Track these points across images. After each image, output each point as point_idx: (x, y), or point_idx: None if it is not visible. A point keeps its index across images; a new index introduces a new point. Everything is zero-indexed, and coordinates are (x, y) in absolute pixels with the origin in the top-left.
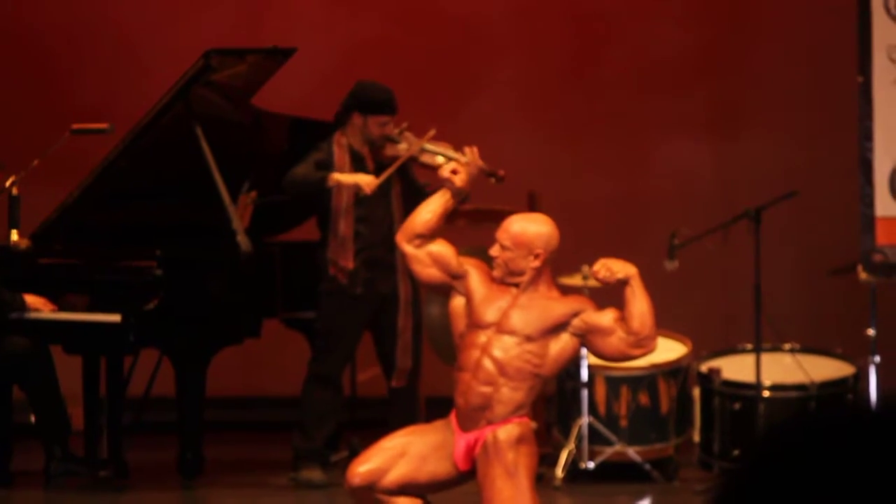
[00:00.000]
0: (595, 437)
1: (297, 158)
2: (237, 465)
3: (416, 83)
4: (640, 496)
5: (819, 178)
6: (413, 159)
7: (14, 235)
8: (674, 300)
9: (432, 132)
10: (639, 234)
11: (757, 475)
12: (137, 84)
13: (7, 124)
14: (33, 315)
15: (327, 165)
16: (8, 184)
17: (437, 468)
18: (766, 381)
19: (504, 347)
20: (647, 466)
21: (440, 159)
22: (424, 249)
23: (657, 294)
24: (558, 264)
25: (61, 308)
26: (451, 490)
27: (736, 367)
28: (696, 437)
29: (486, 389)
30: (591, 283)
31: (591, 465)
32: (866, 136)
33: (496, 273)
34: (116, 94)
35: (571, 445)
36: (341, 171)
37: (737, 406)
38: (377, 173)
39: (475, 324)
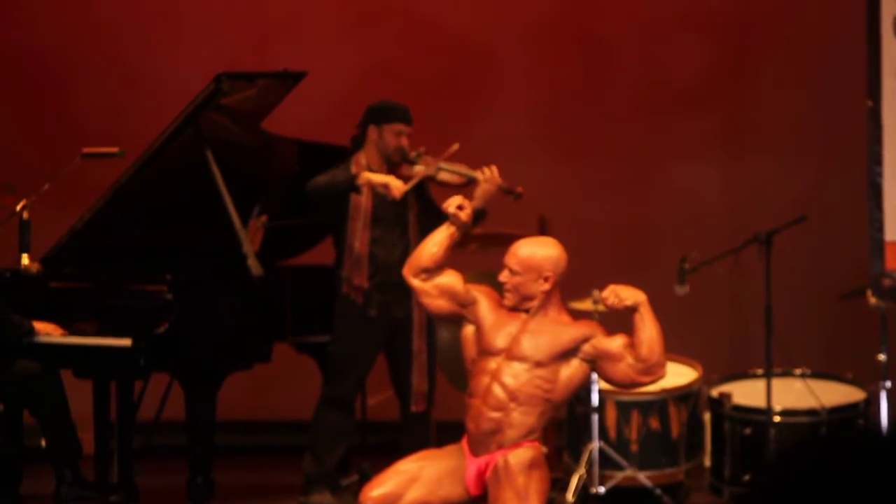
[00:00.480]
0: (606, 461)
1: (307, 182)
2: (247, 489)
3: (427, 106)
4: None
5: (830, 201)
6: (431, 178)
7: (25, 259)
8: (684, 325)
9: (455, 147)
10: (649, 257)
11: (768, 500)
12: (148, 108)
13: (18, 148)
14: (43, 339)
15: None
16: (19, 208)
17: (449, 492)
18: (777, 407)
19: (514, 373)
20: (658, 491)
21: (456, 178)
22: (432, 282)
23: (667, 318)
24: (568, 288)
25: (72, 333)
26: None
27: (746, 392)
28: (707, 462)
29: (497, 415)
30: (601, 307)
31: (602, 489)
32: (875, 160)
33: (507, 301)
34: (127, 118)
35: (582, 470)
36: (358, 195)
37: (747, 431)
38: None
39: (485, 350)
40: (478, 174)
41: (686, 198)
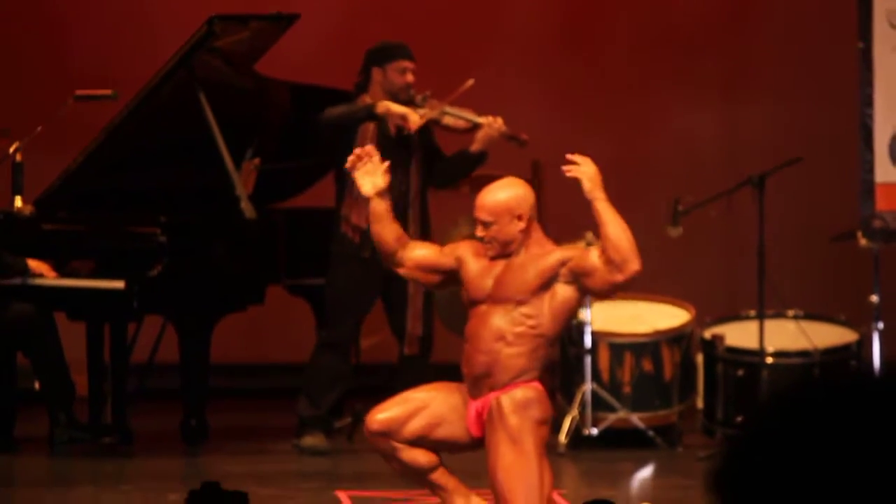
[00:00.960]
0: (598, 403)
1: (301, 125)
2: (241, 431)
3: (418, 48)
4: (644, 462)
5: (823, 144)
6: (434, 122)
7: (18, 202)
8: (677, 267)
9: (469, 83)
10: (643, 200)
11: (760, 442)
12: (141, 50)
13: (11, 90)
14: (37, 282)
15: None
16: (11, 150)
17: (453, 430)
18: (770, 348)
19: (500, 314)
20: (651, 433)
21: (460, 123)
22: (412, 265)
23: (660, 260)
24: (562, 231)
25: (65, 275)
26: (466, 454)
27: (739, 334)
28: (700, 404)
29: (486, 358)
30: (595, 247)
31: (595, 431)
32: (866, 102)
33: (491, 252)
34: (120, 61)
35: (575, 412)
36: (364, 136)
37: (740, 373)
38: (399, 136)
39: (474, 299)
40: (482, 120)
41: (680, 141)
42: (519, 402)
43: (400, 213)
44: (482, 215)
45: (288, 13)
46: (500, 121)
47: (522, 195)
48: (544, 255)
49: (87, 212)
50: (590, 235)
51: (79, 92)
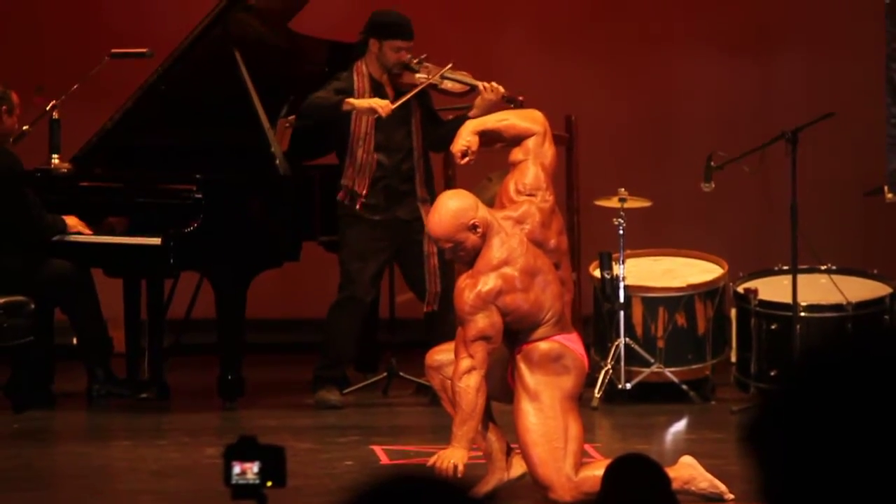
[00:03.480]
0: (632, 358)
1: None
2: (276, 386)
3: (452, 8)
4: (677, 416)
5: (856, 98)
6: (432, 87)
7: (55, 159)
8: (710, 222)
9: (450, 65)
10: (675, 156)
11: (794, 395)
12: (176, 8)
13: (47, 49)
14: (74, 238)
15: (346, 93)
16: (48, 108)
17: (493, 383)
18: (803, 302)
19: None
20: (684, 387)
21: (458, 86)
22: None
23: (693, 215)
24: (595, 187)
25: (101, 232)
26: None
27: (772, 288)
28: (733, 358)
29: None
30: (628, 204)
31: (629, 385)
32: (893, 56)
33: (468, 266)
34: (155, 18)
35: (608, 367)
36: (360, 97)
37: (773, 326)
38: (396, 100)
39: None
40: (479, 84)
41: (713, 97)
42: (534, 360)
43: (405, 175)
44: (439, 242)
45: None
46: (495, 84)
47: (465, 207)
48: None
49: (123, 169)
50: (622, 191)
51: (115, 50)
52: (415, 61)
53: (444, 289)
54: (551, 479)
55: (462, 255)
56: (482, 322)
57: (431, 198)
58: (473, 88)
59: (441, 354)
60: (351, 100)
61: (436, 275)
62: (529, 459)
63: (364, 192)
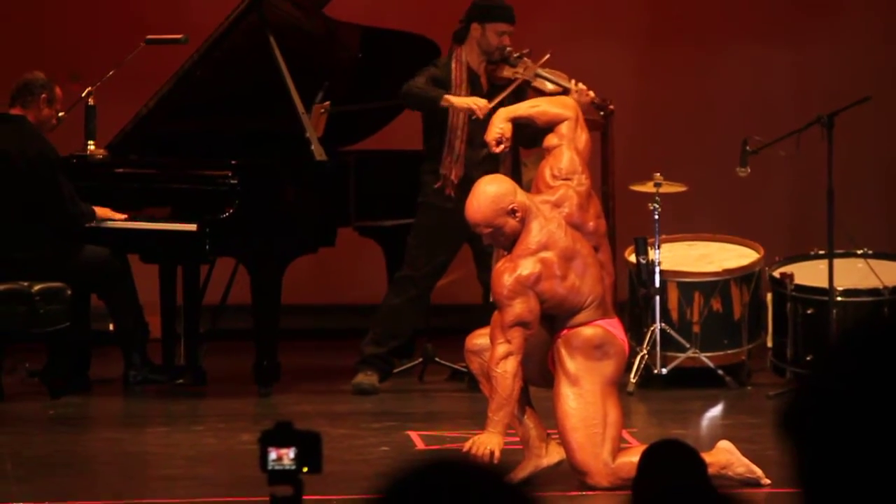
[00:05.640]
0: (668, 343)
1: (370, 68)
2: (312, 371)
3: None
4: (713, 402)
5: (893, 82)
6: (527, 84)
7: (90, 146)
8: (746, 206)
9: (547, 56)
10: (711, 140)
11: (830, 381)
12: None
13: (83, 35)
14: (111, 224)
15: (443, 82)
16: (84, 94)
17: (531, 368)
18: (839, 287)
19: None
20: (720, 372)
21: (550, 86)
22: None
23: (729, 200)
24: (631, 171)
25: (138, 218)
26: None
27: (808, 273)
28: (769, 343)
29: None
30: (664, 189)
31: (664, 371)
32: None
33: (507, 252)
34: (191, 4)
35: (644, 352)
36: (457, 87)
37: (809, 311)
38: (490, 94)
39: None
40: (571, 86)
41: (748, 80)
42: (576, 345)
43: (488, 170)
44: (478, 228)
45: None
46: (585, 88)
47: (504, 191)
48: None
49: (158, 156)
50: (657, 176)
51: (150, 36)
52: (515, 55)
53: None
54: (589, 464)
55: (501, 240)
56: (520, 307)
57: None
58: (566, 90)
59: (481, 339)
60: (450, 97)
61: None
62: (567, 444)
63: (457, 181)
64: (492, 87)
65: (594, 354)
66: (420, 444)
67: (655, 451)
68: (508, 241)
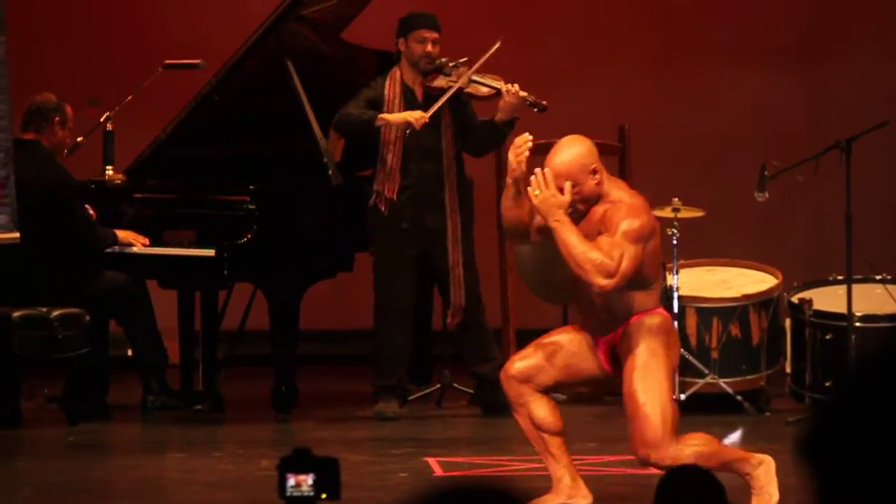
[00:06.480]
0: (686, 368)
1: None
2: (330, 397)
3: (501, 18)
4: (732, 428)
5: None
6: (461, 90)
7: (109, 171)
8: (764, 232)
9: (497, 45)
10: (729, 165)
11: (850, 406)
12: (229, 19)
13: (101, 60)
14: (129, 250)
15: (376, 102)
16: (102, 119)
17: (588, 365)
18: (858, 312)
19: None
20: (739, 398)
21: (484, 90)
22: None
23: (747, 226)
24: (648, 197)
25: (157, 244)
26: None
27: (827, 298)
28: (788, 368)
29: (601, 299)
30: (682, 214)
31: (683, 396)
32: None
33: (581, 207)
34: (208, 30)
35: None
36: (391, 104)
37: (828, 337)
38: (426, 105)
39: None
40: (502, 87)
41: (766, 105)
42: (651, 328)
43: (434, 182)
44: (560, 180)
45: None
46: (517, 87)
47: (587, 150)
48: (613, 208)
49: (176, 180)
50: (675, 202)
51: (168, 61)
52: (451, 64)
53: (472, 301)
54: (658, 438)
55: (576, 199)
56: (637, 251)
57: (461, 207)
58: (499, 92)
59: (522, 361)
60: (384, 115)
61: (460, 286)
62: (638, 419)
63: (394, 196)
64: (428, 98)
65: (665, 341)
66: (438, 471)
67: (674, 478)
68: (582, 202)
